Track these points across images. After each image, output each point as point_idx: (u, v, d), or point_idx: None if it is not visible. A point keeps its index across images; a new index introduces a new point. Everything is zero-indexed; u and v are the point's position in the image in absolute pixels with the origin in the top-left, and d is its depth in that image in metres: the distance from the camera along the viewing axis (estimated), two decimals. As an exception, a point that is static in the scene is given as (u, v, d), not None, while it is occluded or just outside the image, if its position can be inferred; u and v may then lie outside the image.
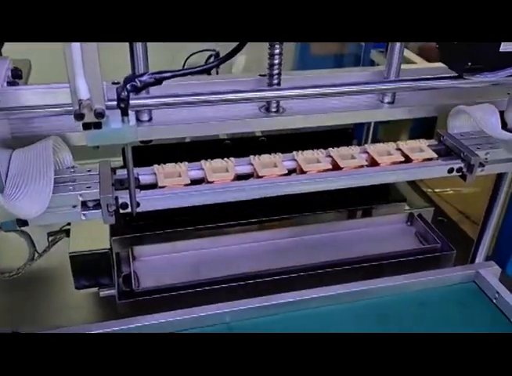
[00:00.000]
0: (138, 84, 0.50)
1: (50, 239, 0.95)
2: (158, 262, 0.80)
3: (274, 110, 0.69)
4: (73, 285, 0.83)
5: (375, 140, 1.31)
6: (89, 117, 0.48)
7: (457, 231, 1.02)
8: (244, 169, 0.64)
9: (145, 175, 0.62)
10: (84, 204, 0.57)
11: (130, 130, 0.50)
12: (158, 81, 0.51)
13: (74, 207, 0.57)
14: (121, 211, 0.59)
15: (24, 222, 0.56)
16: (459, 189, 1.97)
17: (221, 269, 0.77)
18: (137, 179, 0.61)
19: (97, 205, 0.57)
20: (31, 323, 0.79)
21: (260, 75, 0.73)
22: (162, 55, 0.75)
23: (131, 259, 0.79)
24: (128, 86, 0.49)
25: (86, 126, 0.49)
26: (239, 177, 0.63)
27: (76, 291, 0.84)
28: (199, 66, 0.54)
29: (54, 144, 0.59)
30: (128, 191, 0.58)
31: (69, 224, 0.93)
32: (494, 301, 0.74)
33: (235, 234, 0.85)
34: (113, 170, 0.61)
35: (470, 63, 0.60)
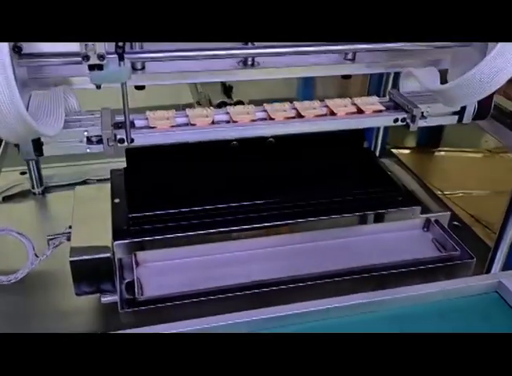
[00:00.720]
0: None
1: (50, 243, 0.92)
2: (163, 269, 0.76)
3: (250, 63, 0.80)
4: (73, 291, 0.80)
5: (384, 144, 1.29)
6: (93, 59, 0.61)
7: (472, 236, 0.99)
8: (222, 117, 0.77)
9: (139, 119, 0.75)
10: (88, 139, 0.71)
11: (125, 71, 0.64)
12: None
13: (81, 141, 0.71)
14: (119, 144, 0.71)
15: (40, 152, 0.70)
16: (469, 191, 1.94)
17: (229, 276, 0.74)
18: (132, 123, 0.74)
19: (99, 141, 0.71)
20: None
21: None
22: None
23: (134, 265, 0.75)
24: None
25: (91, 67, 0.62)
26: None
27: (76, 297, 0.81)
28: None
29: (64, 92, 0.71)
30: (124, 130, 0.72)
31: (70, 227, 0.90)
32: (518, 312, 0.70)
33: (243, 239, 0.81)
34: (113, 115, 0.74)
35: None
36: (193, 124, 0.74)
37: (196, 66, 0.78)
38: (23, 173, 1.18)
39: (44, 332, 0.70)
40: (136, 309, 0.70)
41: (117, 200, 0.88)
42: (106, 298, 0.80)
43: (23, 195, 1.15)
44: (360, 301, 0.69)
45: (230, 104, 1.14)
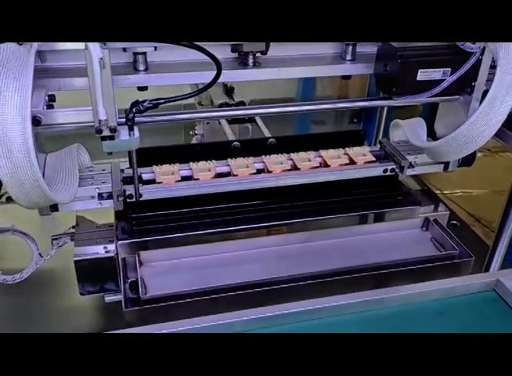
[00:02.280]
0: (141, 108, 0.69)
1: (54, 243, 0.93)
2: (165, 268, 0.77)
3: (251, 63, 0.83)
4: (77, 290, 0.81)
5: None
6: (106, 132, 0.68)
7: (471, 235, 0.99)
8: (223, 169, 0.85)
9: (146, 173, 0.83)
10: (100, 195, 0.80)
11: (134, 141, 0.71)
12: (155, 106, 0.71)
13: (93, 197, 0.80)
14: (128, 200, 0.80)
15: (55, 209, 0.80)
16: (469, 190, 1.94)
17: (230, 275, 0.75)
18: (140, 177, 0.82)
19: (110, 196, 0.80)
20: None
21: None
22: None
23: (137, 265, 0.76)
24: (133, 109, 0.69)
25: (103, 138, 0.69)
26: (219, 175, 0.84)
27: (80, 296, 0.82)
28: (185, 94, 0.72)
29: (77, 150, 0.81)
30: (133, 185, 0.81)
31: (73, 227, 0.91)
32: (516, 310, 0.71)
33: (244, 239, 0.82)
34: (122, 170, 0.84)
35: (394, 89, 0.78)
36: (197, 179, 0.82)
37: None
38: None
39: (48, 332, 0.72)
40: (140, 307, 0.71)
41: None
42: (110, 297, 0.81)
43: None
44: (359, 300, 0.70)
45: (232, 105, 1.15)
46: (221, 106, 1.15)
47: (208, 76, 0.73)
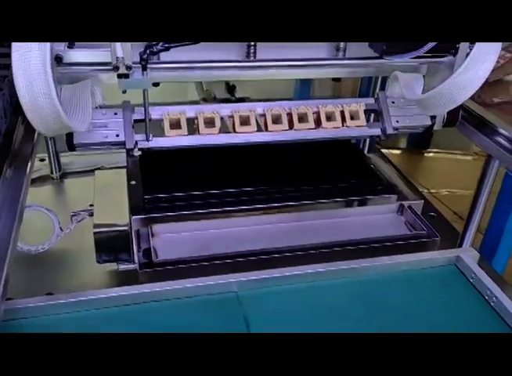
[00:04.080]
0: (154, 49, 0.75)
1: (73, 219, 1.05)
2: (174, 239, 0.89)
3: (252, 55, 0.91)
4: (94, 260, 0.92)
5: (372, 142, 1.42)
6: (122, 70, 0.74)
7: (445, 225, 1.10)
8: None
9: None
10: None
11: (147, 80, 0.78)
12: (166, 49, 0.76)
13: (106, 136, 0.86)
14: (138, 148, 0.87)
15: (72, 148, 0.85)
16: (454, 190, 2.06)
17: (230, 246, 0.87)
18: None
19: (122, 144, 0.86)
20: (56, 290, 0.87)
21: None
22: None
23: (150, 236, 0.88)
24: (147, 51, 0.75)
25: (119, 76, 0.75)
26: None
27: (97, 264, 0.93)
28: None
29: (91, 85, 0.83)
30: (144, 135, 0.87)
31: (91, 205, 1.02)
32: (471, 280, 0.83)
33: (243, 217, 0.94)
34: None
35: (384, 47, 0.86)
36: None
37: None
38: (42, 160, 1.28)
39: (71, 292, 0.83)
40: (152, 269, 0.83)
41: (133, 182, 1.01)
42: (123, 266, 0.93)
43: (42, 180, 1.25)
44: (340, 268, 0.82)
45: (233, 101, 1.27)
46: (223, 101, 1.26)
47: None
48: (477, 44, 0.78)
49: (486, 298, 0.79)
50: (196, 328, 0.72)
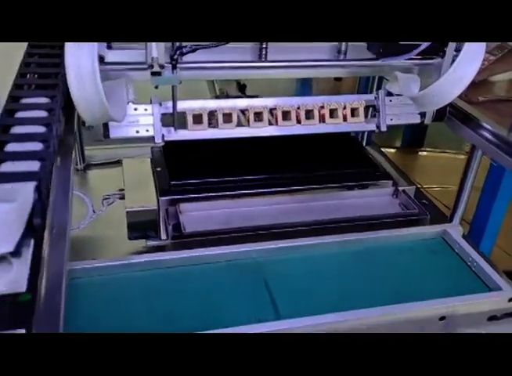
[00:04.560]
0: (184, 51, 0.88)
1: (104, 202, 1.18)
2: (199, 216, 1.02)
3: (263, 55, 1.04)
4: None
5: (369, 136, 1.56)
6: (156, 68, 0.84)
7: (435, 210, 1.24)
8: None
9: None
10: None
11: (176, 77, 0.90)
12: (193, 50, 0.89)
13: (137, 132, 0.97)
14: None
15: (107, 135, 0.96)
16: (446, 186, 2.19)
17: (248, 221, 1.00)
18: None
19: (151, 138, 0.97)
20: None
21: (255, 43, 1.03)
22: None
23: (178, 212, 1.01)
24: (177, 52, 0.87)
25: (153, 73, 0.86)
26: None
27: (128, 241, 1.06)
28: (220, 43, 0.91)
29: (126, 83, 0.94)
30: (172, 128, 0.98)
31: (122, 190, 1.16)
32: (455, 250, 0.96)
33: (257, 198, 1.07)
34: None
35: (380, 50, 0.99)
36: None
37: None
38: (67, 152, 1.42)
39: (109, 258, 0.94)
40: (182, 240, 0.96)
41: (159, 169, 1.14)
42: (151, 243, 1.06)
43: (68, 170, 1.39)
44: (346, 239, 0.95)
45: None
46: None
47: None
48: (464, 48, 0.88)
49: (468, 264, 0.93)
50: (221, 288, 0.85)
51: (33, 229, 0.55)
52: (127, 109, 0.93)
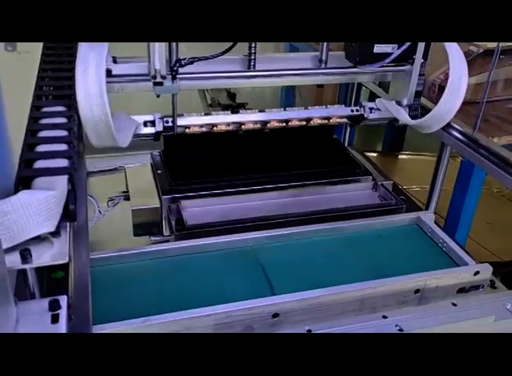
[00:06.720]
0: (182, 63, 1.00)
1: (110, 203, 1.28)
2: (199, 211, 1.13)
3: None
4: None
5: (351, 138, 1.69)
6: (158, 78, 0.99)
7: (412, 203, 1.36)
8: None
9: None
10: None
11: (176, 86, 1.03)
12: (191, 62, 1.02)
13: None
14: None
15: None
16: (424, 186, 2.32)
17: (244, 214, 1.11)
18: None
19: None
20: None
21: (243, 55, 1.17)
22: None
23: (180, 208, 1.11)
24: (177, 64, 1.00)
25: (156, 83, 1.01)
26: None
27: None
28: (214, 55, 1.05)
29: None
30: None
31: (125, 192, 1.26)
32: (428, 234, 1.08)
33: (251, 194, 1.19)
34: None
35: (357, 58, 1.12)
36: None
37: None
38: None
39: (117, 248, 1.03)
40: (184, 232, 1.06)
41: (159, 172, 1.25)
42: (154, 238, 1.16)
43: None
44: (331, 227, 1.06)
45: (234, 106, 1.52)
46: (226, 106, 1.52)
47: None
48: (450, 72, 1.03)
49: (439, 245, 1.05)
50: (223, 271, 0.96)
51: (68, 214, 0.66)
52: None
